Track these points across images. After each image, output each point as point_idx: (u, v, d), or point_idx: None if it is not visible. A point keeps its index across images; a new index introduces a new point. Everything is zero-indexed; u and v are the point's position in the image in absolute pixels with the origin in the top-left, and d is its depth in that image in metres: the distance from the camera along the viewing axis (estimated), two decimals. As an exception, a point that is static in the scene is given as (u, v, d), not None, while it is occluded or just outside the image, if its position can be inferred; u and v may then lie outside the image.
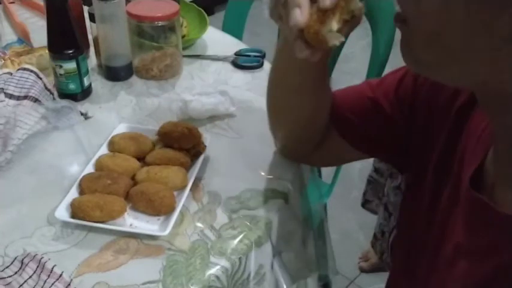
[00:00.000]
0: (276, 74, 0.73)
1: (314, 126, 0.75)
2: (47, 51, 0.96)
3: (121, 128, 0.88)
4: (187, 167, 0.81)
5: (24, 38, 1.18)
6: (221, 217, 0.75)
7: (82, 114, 0.94)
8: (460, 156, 0.57)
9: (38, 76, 0.95)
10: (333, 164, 0.85)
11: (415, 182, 0.65)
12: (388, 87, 0.68)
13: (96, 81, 1.04)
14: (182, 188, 0.77)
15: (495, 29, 0.39)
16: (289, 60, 0.65)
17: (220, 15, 1.45)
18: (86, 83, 0.99)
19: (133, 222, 0.74)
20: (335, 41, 0.51)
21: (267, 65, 1.12)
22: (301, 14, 0.50)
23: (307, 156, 0.82)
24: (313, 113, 0.73)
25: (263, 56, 1.14)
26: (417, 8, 0.43)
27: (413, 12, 0.44)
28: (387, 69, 1.15)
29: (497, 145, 0.51)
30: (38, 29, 1.19)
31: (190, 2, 1.31)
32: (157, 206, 0.73)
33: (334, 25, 0.51)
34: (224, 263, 0.69)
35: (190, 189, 0.77)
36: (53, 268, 0.66)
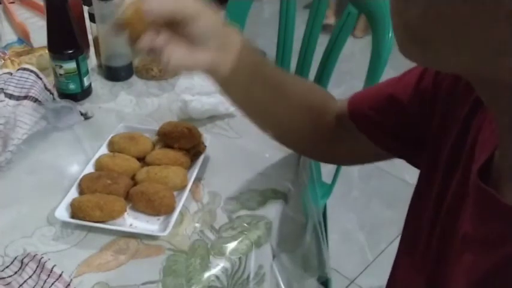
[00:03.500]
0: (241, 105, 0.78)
1: (301, 126, 0.77)
2: (47, 51, 0.97)
3: (121, 128, 0.88)
4: (187, 167, 0.81)
5: (24, 38, 1.18)
6: (221, 217, 0.75)
7: (82, 114, 0.94)
8: (470, 148, 0.57)
9: (38, 76, 0.95)
10: (357, 162, 0.87)
11: (427, 176, 0.65)
12: (408, 81, 0.69)
13: (96, 81, 1.04)
14: (182, 188, 0.77)
15: (496, 8, 0.38)
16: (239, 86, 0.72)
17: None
18: (86, 83, 0.99)
19: (133, 222, 0.74)
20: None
21: (267, 65, 1.12)
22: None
23: (323, 154, 0.84)
24: (289, 117, 0.76)
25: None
26: None
27: None
28: (387, 69, 1.15)
29: (501, 136, 0.51)
30: (38, 29, 1.19)
31: (190, 2, 1.31)
32: (157, 206, 0.73)
33: None
34: (224, 263, 0.69)
35: (190, 189, 0.77)
36: (52, 268, 0.66)
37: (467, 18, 0.40)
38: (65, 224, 0.73)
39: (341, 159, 0.87)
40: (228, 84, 0.72)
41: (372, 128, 0.73)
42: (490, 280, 0.51)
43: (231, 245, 0.71)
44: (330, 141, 0.80)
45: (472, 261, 0.53)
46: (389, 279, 0.73)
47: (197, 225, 0.74)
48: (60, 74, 0.96)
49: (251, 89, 0.73)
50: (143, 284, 0.66)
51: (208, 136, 0.86)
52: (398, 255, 0.72)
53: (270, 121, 0.80)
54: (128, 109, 0.98)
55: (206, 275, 0.67)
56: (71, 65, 0.95)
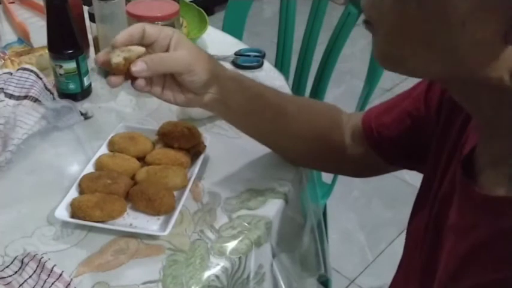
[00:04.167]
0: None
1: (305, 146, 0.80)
2: (47, 51, 0.97)
3: (121, 128, 0.88)
4: (187, 167, 0.81)
5: (24, 38, 1.18)
6: (221, 217, 0.75)
7: (82, 114, 0.94)
8: (462, 145, 0.59)
9: (38, 76, 0.95)
10: (364, 175, 0.89)
11: (428, 179, 0.66)
12: (418, 93, 0.71)
13: (96, 81, 1.04)
14: (182, 188, 0.77)
15: (449, 13, 0.42)
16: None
17: (220, 15, 1.45)
18: (85, 82, 0.99)
19: (133, 222, 0.74)
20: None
21: (266, 65, 1.13)
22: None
23: (329, 168, 0.88)
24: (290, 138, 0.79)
25: (263, 56, 1.14)
26: (378, 10, 0.48)
27: (375, 15, 0.49)
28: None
29: (479, 130, 0.54)
30: (38, 29, 1.19)
31: (190, 2, 1.31)
32: (157, 206, 0.73)
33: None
34: (224, 262, 0.69)
35: (190, 189, 0.77)
36: (52, 268, 0.66)
37: (422, 28, 0.44)
38: (64, 224, 0.73)
39: (347, 172, 0.88)
40: (225, 117, 0.77)
41: (384, 144, 0.75)
42: (462, 265, 0.53)
43: (231, 245, 0.71)
44: (337, 157, 0.81)
45: (451, 247, 0.55)
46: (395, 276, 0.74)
47: (199, 225, 0.74)
48: (60, 74, 0.96)
49: (250, 121, 0.77)
50: (143, 284, 0.66)
51: (208, 136, 0.86)
52: (402, 259, 0.73)
53: (273, 147, 0.83)
54: (128, 109, 0.98)
55: (206, 274, 0.67)
56: (71, 65, 0.95)
